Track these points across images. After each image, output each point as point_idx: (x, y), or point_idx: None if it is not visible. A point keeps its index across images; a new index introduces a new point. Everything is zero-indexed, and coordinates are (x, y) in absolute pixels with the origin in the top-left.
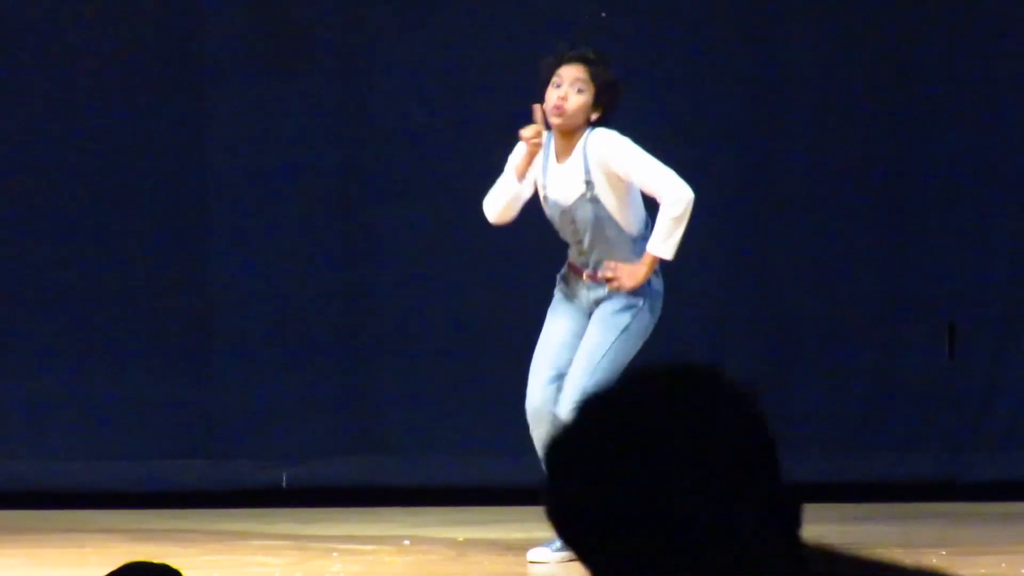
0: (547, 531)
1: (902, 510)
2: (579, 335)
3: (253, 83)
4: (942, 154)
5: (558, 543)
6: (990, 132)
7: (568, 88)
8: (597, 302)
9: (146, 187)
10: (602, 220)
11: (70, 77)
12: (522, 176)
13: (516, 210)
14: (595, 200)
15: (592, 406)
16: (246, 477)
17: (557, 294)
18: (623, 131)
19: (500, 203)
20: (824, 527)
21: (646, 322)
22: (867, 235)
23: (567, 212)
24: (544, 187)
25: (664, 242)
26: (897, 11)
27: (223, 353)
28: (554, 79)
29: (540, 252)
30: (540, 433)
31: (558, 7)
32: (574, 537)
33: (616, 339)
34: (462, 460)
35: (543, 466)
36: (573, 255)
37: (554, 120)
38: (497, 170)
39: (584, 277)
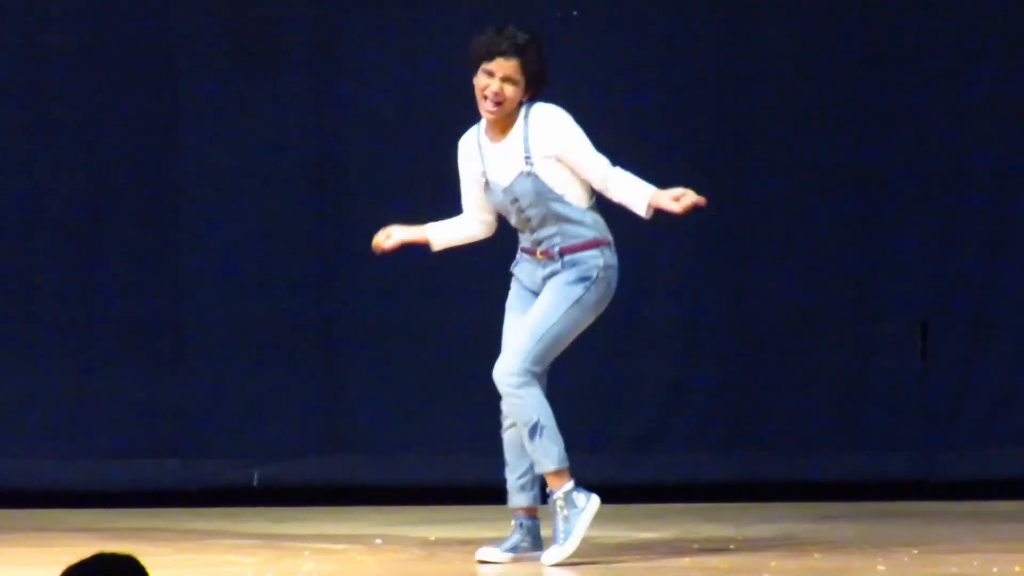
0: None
1: (875, 509)
2: None
3: (224, 80)
4: (914, 155)
5: (509, 543)
6: (961, 133)
7: (500, 83)
8: (549, 275)
9: (117, 186)
10: (544, 194)
11: (43, 75)
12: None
13: (476, 232)
14: (534, 175)
15: None
16: (217, 476)
17: (514, 287)
18: (592, 128)
19: (469, 223)
20: (796, 526)
21: (600, 294)
22: (839, 235)
23: (508, 191)
24: (484, 174)
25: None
26: (869, 12)
27: (194, 352)
28: (485, 66)
29: (514, 251)
30: (511, 434)
31: (528, 4)
32: None
33: (568, 309)
34: (433, 460)
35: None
36: (524, 239)
37: (490, 113)
38: None
39: (537, 255)
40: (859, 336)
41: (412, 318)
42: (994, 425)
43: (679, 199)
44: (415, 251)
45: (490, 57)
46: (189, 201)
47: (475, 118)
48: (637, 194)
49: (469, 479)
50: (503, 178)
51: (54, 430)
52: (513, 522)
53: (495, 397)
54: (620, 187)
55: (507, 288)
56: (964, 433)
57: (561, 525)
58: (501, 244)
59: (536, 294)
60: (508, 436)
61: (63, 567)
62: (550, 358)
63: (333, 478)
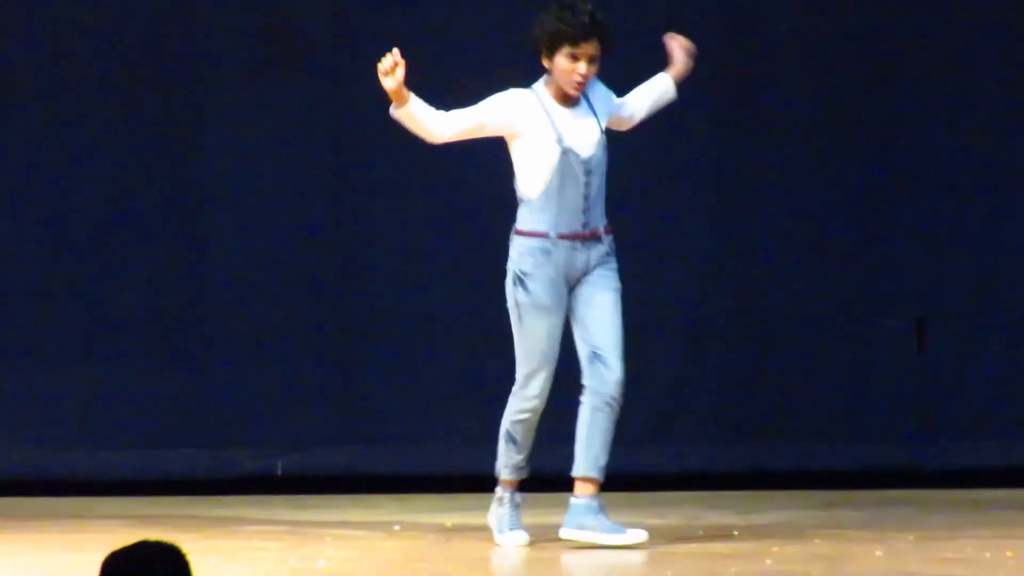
0: (531, 516)
1: (873, 497)
2: (564, 320)
3: (248, 84)
4: (912, 158)
5: (518, 519)
6: (957, 134)
7: (587, 65)
8: (598, 259)
9: (144, 187)
10: (605, 165)
11: (73, 81)
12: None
13: (434, 132)
14: (605, 145)
15: None
16: (243, 466)
17: (540, 282)
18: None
19: (436, 118)
20: (799, 512)
21: None
22: (840, 235)
23: (588, 160)
24: (561, 139)
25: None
26: (870, 15)
27: (220, 347)
28: (572, 49)
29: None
30: (529, 424)
31: (538, 9)
32: None
33: (620, 299)
34: (450, 449)
35: (506, 444)
36: (563, 223)
37: (575, 93)
38: (480, 165)
39: (587, 236)
40: (859, 332)
41: (427, 315)
42: (987, 417)
43: (687, 51)
44: (430, 247)
45: (576, 41)
46: (212, 202)
47: None
48: (660, 86)
49: (484, 468)
50: (584, 148)
51: (87, 423)
52: (509, 497)
53: (506, 389)
54: (642, 95)
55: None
56: (959, 425)
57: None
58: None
59: (569, 284)
60: (522, 427)
61: (96, 552)
62: None
63: (353, 467)
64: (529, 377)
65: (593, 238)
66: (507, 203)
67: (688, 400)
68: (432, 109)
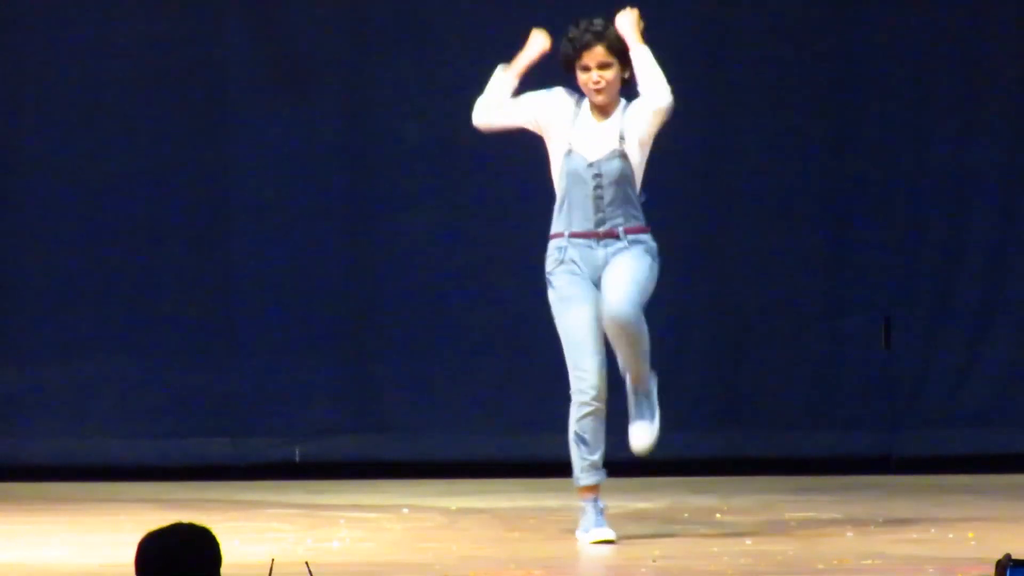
0: (531, 500)
1: (843, 482)
2: (598, 313)
3: (270, 108)
4: (878, 170)
5: (603, 518)
6: (919, 152)
7: (598, 72)
8: (615, 252)
9: (177, 200)
10: (627, 176)
11: (109, 100)
12: (518, 75)
13: (500, 117)
14: (625, 156)
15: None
16: (263, 453)
17: (568, 280)
18: None
19: (493, 99)
20: (775, 497)
21: (658, 274)
22: (813, 238)
23: (594, 165)
24: (570, 142)
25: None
26: (836, 40)
27: (243, 344)
28: (579, 63)
29: (523, 252)
30: (594, 418)
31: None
32: None
33: (649, 269)
34: (455, 438)
35: (576, 446)
36: (579, 221)
37: (599, 100)
38: (482, 184)
39: (601, 235)
40: (830, 328)
41: (433, 315)
42: (949, 408)
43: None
44: (437, 254)
45: (578, 54)
46: (240, 214)
47: (490, 141)
48: (636, 61)
49: (487, 456)
50: (590, 153)
51: (120, 413)
52: (592, 506)
53: (510, 382)
54: (639, 78)
55: (516, 288)
56: (923, 415)
57: (645, 403)
58: (518, 242)
59: (595, 280)
60: (587, 423)
61: (129, 533)
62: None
63: (366, 455)
64: (577, 371)
65: (609, 236)
66: (506, 212)
67: (672, 391)
68: (506, 96)
